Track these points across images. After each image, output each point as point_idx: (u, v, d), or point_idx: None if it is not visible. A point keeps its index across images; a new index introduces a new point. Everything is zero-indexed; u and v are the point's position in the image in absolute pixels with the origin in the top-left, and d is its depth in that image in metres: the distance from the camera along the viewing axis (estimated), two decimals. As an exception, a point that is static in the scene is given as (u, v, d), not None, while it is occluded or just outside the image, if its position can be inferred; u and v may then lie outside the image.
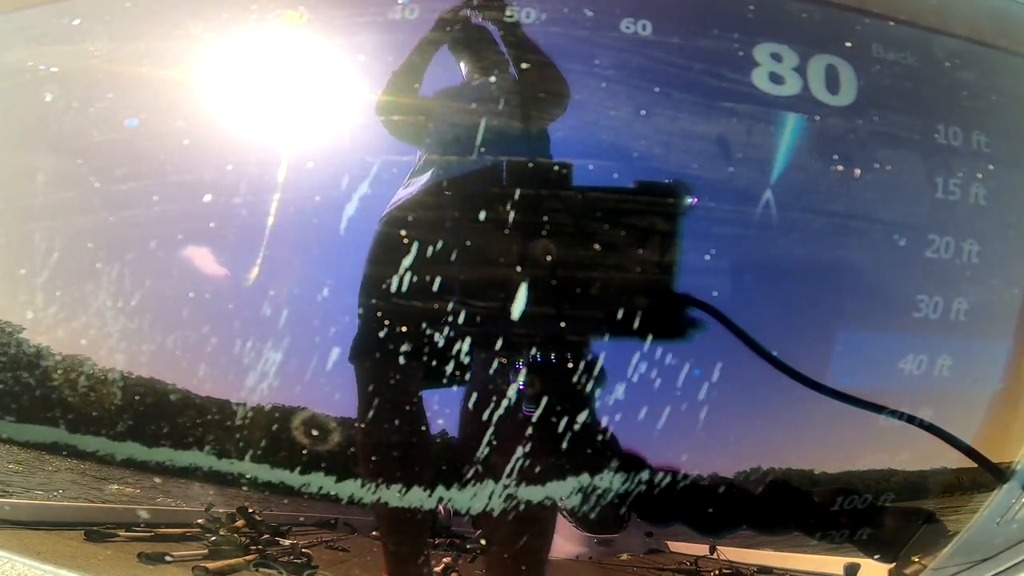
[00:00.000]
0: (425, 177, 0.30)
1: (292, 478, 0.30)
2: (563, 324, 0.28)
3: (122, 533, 0.35)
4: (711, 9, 0.32)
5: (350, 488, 0.30)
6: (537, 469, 0.29)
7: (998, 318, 0.32)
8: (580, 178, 0.29)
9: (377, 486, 0.30)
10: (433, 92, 0.32)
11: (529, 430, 0.29)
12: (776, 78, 0.30)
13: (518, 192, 0.29)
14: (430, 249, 0.28)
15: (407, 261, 0.28)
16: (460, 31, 0.31)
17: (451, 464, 0.30)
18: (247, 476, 0.30)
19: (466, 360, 0.28)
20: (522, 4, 0.30)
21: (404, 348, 0.28)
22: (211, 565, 0.34)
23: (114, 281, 0.30)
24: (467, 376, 0.29)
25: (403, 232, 0.28)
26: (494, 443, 0.29)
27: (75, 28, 0.34)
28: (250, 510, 0.33)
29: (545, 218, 0.28)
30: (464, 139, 0.30)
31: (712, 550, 0.32)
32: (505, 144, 0.30)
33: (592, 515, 0.30)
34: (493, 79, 0.31)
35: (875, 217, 0.30)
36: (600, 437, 0.29)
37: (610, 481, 0.29)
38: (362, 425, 0.30)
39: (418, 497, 0.30)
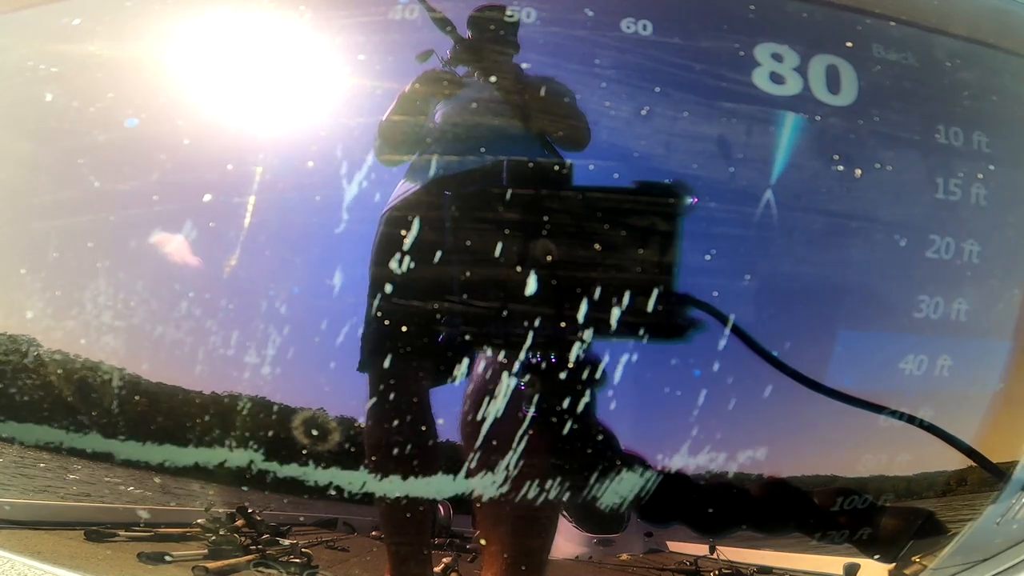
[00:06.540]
0: (425, 175, 0.30)
1: (294, 476, 0.30)
2: (563, 324, 0.28)
3: (122, 533, 0.35)
4: (711, 9, 0.32)
5: (351, 486, 0.30)
6: (537, 469, 0.29)
7: (998, 318, 0.32)
8: (580, 178, 0.29)
9: (381, 484, 0.30)
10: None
11: (529, 430, 0.29)
12: (777, 78, 0.30)
13: (519, 191, 0.29)
14: (429, 247, 0.28)
15: (409, 259, 0.28)
16: (460, 40, 0.31)
17: (453, 463, 0.30)
18: (247, 476, 0.30)
19: (467, 359, 0.28)
20: (522, 4, 0.30)
21: (408, 347, 0.28)
22: (211, 565, 0.34)
23: (114, 281, 0.30)
24: (468, 375, 0.29)
25: (403, 230, 0.28)
26: (495, 442, 0.29)
27: (75, 28, 0.34)
28: (250, 510, 0.33)
29: (545, 218, 0.28)
30: (465, 140, 0.30)
31: (712, 550, 0.32)
32: (506, 144, 0.30)
33: (592, 515, 0.30)
34: (495, 80, 0.31)
35: (876, 217, 0.30)
36: (600, 437, 0.29)
37: (610, 481, 0.29)
38: (366, 422, 0.30)
39: (421, 495, 0.30)
